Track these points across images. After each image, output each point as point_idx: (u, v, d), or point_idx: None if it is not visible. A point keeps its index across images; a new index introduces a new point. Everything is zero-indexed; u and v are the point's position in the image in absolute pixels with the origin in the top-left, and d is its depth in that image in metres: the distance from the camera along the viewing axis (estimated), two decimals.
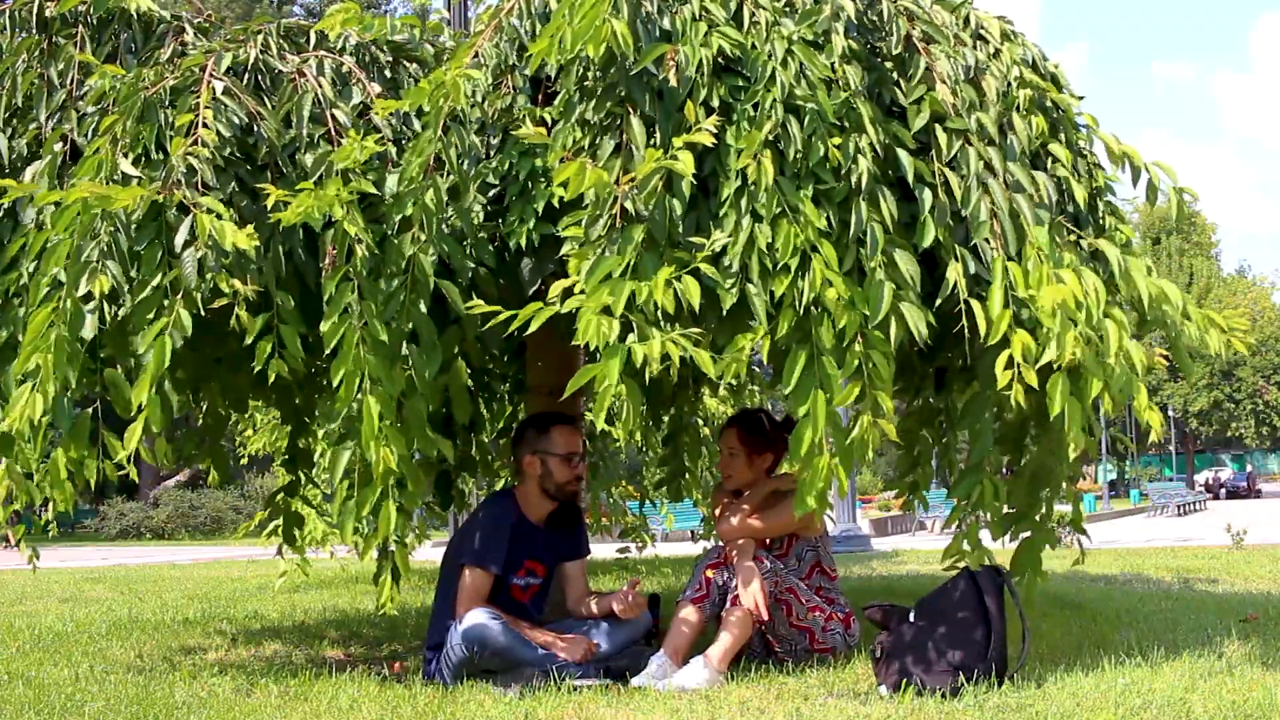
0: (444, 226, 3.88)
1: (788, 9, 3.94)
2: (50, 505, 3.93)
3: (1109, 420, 4.46)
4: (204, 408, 5.45)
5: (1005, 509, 4.21)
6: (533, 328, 3.50)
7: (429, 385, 3.85)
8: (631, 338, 3.44)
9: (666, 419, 6.97)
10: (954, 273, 3.75)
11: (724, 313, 3.66)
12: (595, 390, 3.42)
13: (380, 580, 4.24)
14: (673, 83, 3.72)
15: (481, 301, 3.65)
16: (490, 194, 4.03)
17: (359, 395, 3.67)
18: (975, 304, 3.69)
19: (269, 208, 3.72)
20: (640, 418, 3.82)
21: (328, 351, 3.73)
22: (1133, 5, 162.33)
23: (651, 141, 3.71)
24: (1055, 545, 4.42)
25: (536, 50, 3.79)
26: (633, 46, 3.65)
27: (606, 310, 3.44)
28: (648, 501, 8.51)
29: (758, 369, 7.69)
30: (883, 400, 3.58)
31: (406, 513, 3.97)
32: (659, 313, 3.50)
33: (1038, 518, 4.33)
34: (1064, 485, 4.42)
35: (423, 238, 3.78)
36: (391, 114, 4.11)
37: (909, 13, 4.04)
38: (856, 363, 3.57)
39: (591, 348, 3.44)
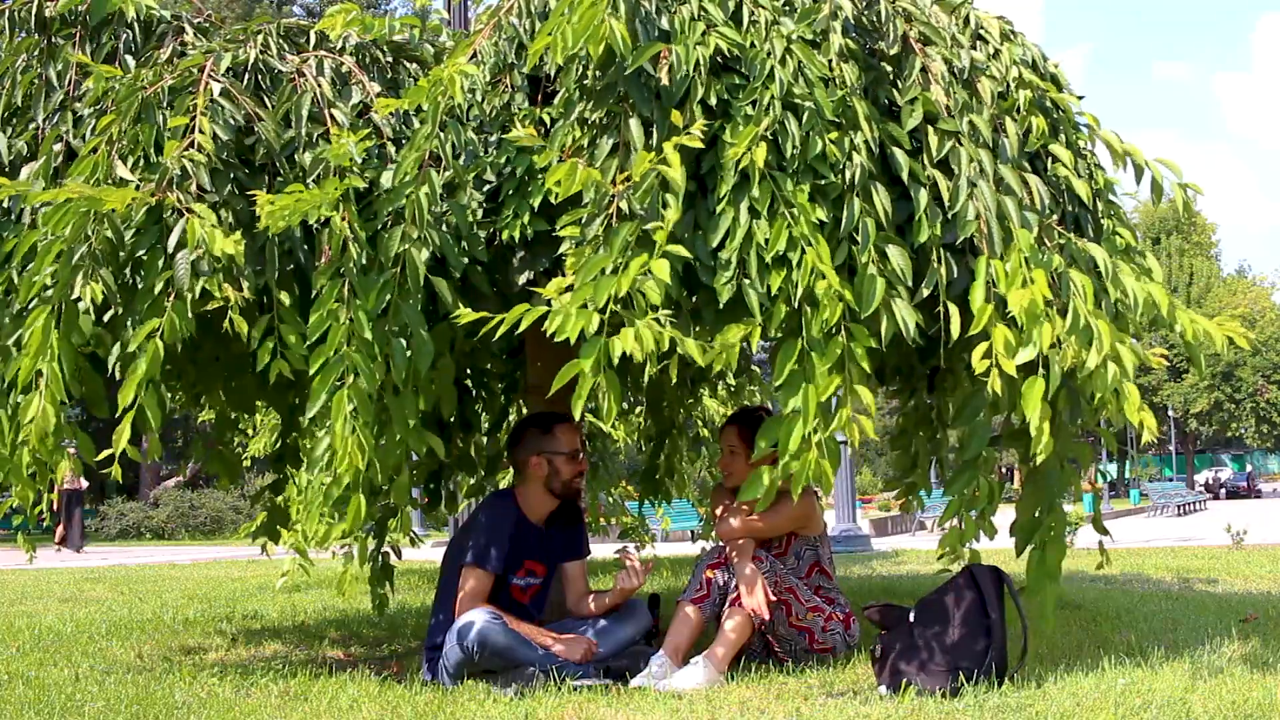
0: (441, 223, 3.87)
1: (787, 8, 3.94)
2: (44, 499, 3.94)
3: (1108, 420, 4.41)
4: (205, 409, 5.45)
5: (1018, 518, 4.18)
6: (522, 328, 3.50)
7: (422, 381, 3.84)
8: (597, 317, 3.42)
9: (654, 418, 6.94)
10: (941, 273, 3.76)
11: (720, 308, 3.66)
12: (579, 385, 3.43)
13: (343, 573, 4.24)
14: (664, 82, 3.72)
15: (469, 310, 3.64)
16: (486, 190, 4.03)
17: (337, 386, 3.66)
18: (953, 306, 3.71)
19: (259, 216, 3.70)
20: (621, 407, 3.81)
21: (309, 343, 3.72)
22: (1133, 6, 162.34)
23: (650, 142, 3.70)
24: (1063, 554, 4.34)
25: (536, 48, 3.79)
26: (631, 46, 3.65)
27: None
28: (647, 502, 8.50)
29: (757, 368, 7.68)
30: (863, 394, 3.59)
31: (393, 510, 3.94)
32: (648, 307, 3.49)
33: (1051, 526, 4.28)
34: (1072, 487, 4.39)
35: (415, 234, 3.77)
36: (391, 113, 4.10)
37: (907, 13, 4.04)
38: (839, 352, 3.57)
39: (571, 342, 3.44)
